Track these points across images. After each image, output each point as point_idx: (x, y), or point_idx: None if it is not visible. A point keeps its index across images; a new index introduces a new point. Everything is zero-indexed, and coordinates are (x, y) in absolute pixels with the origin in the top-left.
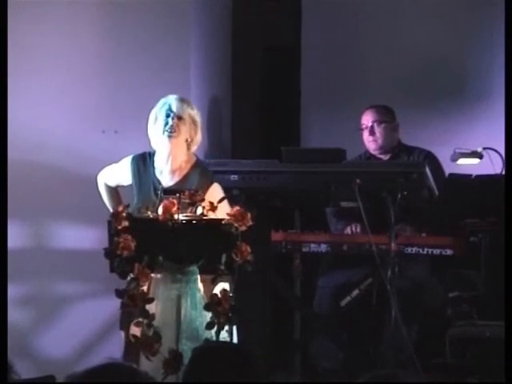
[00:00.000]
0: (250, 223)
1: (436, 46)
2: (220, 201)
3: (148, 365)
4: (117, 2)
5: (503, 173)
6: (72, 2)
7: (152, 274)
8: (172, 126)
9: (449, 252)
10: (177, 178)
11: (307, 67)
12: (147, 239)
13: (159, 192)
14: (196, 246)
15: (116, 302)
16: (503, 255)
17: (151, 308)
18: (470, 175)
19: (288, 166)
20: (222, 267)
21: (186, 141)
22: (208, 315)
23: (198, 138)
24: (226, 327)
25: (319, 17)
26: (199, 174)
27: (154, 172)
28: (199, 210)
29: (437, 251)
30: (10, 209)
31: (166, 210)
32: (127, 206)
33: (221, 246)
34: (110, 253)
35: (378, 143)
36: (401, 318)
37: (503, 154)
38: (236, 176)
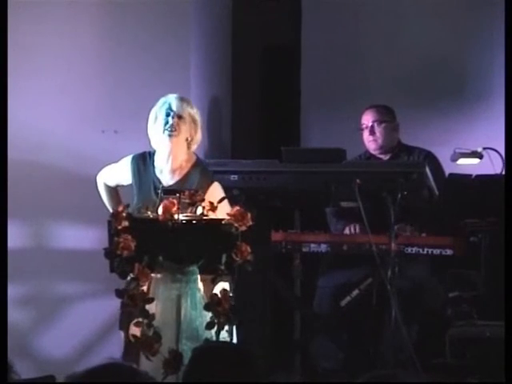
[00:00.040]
0: (250, 223)
1: (436, 46)
2: (220, 201)
3: (148, 365)
4: (117, 2)
5: (503, 173)
6: (72, 1)
7: (152, 274)
8: (172, 124)
9: (449, 252)
10: (177, 177)
11: (307, 67)
12: (147, 239)
13: (159, 191)
14: (196, 246)
15: (116, 302)
16: (503, 255)
17: (151, 308)
18: (470, 175)
19: (288, 165)
20: (222, 267)
21: (187, 140)
22: (208, 315)
23: (198, 137)
24: (226, 327)
25: (319, 17)
26: (199, 173)
27: (154, 171)
28: (199, 210)
29: (437, 251)
30: (10, 209)
31: (166, 209)
32: (127, 206)
33: (221, 246)
34: (110, 253)
35: (378, 143)
36: (401, 318)
37: (503, 153)
38: (236, 176)
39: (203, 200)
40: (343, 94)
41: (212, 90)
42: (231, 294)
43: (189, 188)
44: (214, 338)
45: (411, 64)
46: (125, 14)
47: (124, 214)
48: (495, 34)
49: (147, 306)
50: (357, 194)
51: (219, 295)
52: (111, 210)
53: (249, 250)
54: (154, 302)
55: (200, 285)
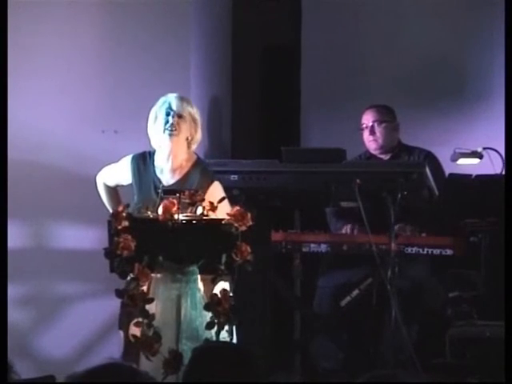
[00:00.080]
0: (250, 223)
1: (436, 46)
2: (220, 201)
3: (148, 365)
4: (117, 2)
5: (503, 173)
6: (72, 1)
7: (152, 274)
8: (172, 124)
9: (449, 252)
10: (177, 177)
11: (307, 67)
12: (147, 239)
13: (160, 191)
14: (196, 246)
15: (116, 302)
16: (503, 255)
17: (151, 308)
18: (470, 175)
19: (288, 165)
20: (222, 267)
21: (187, 139)
22: (208, 315)
23: (198, 136)
24: (226, 327)
25: (319, 17)
26: (200, 173)
27: (154, 171)
28: (199, 210)
29: (437, 251)
30: (10, 209)
31: (166, 209)
32: (127, 206)
33: (221, 245)
34: (110, 253)
35: (378, 143)
36: (401, 318)
37: (503, 154)
38: (236, 176)
39: (203, 200)
40: (343, 93)
41: (212, 89)
42: (231, 294)
43: (189, 187)
44: (214, 338)
45: (411, 64)
46: (125, 14)
47: (124, 214)
48: (495, 34)
49: (147, 306)
50: (357, 194)
51: (219, 295)
52: (111, 210)
53: (249, 250)
54: (154, 302)
55: (200, 285)
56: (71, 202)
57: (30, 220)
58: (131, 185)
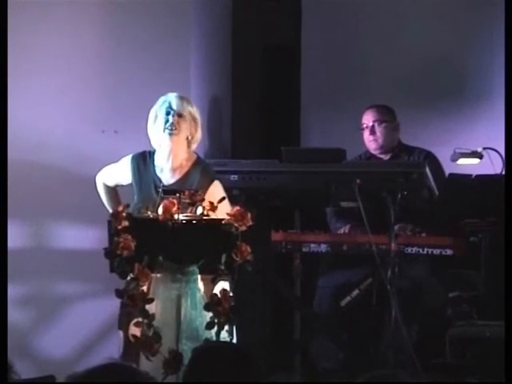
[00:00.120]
0: (250, 223)
1: (436, 46)
2: (220, 201)
3: (148, 365)
4: (117, 3)
5: (503, 173)
6: (72, 1)
7: (152, 274)
8: (172, 123)
9: (449, 252)
10: (178, 176)
11: (307, 67)
12: (147, 239)
13: (160, 190)
14: (196, 246)
15: (116, 302)
16: (503, 255)
17: (151, 308)
18: (470, 175)
19: (288, 165)
20: (222, 267)
21: (187, 138)
22: (208, 315)
23: (199, 135)
24: (226, 327)
25: (319, 17)
26: (200, 172)
27: (154, 170)
28: (199, 210)
29: (437, 251)
30: (10, 209)
31: (166, 209)
32: (127, 206)
33: (221, 245)
34: (110, 253)
35: (378, 143)
36: (401, 318)
37: (503, 154)
38: (236, 176)
39: (203, 200)
40: (343, 93)
41: (212, 89)
42: (231, 294)
43: (189, 187)
44: (214, 338)
45: (411, 64)
46: (125, 14)
47: (124, 214)
48: (495, 34)
49: (147, 306)
50: (357, 194)
51: (219, 295)
52: (110, 211)
53: (249, 250)
54: (154, 302)
55: (200, 285)
56: (71, 202)
57: (30, 220)
58: (131, 185)
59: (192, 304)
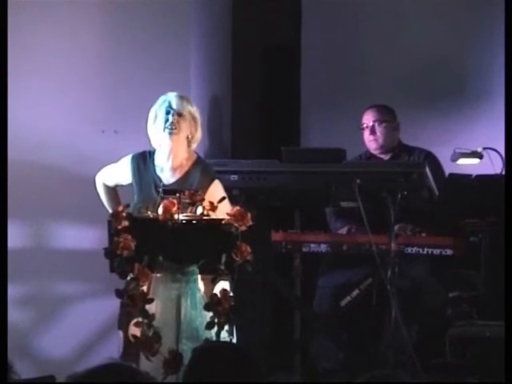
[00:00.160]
0: (250, 223)
1: (436, 46)
2: (220, 201)
3: (148, 365)
4: (117, 2)
5: (503, 173)
6: (72, 1)
7: (152, 274)
8: (172, 122)
9: (449, 252)
10: (178, 175)
11: (307, 67)
12: (147, 239)
13: (160, 189)
14: (196, 246)
15: (116, 302)
16: (503, 255)
17: (151, 308)
18: (470, 175)
19: (288, 165)
20: (222, 267)
21: (187, 138)
22: (208, 315)
23: (199, 134)
24: (226, 327)
25: (319, 17)
26: (200, 172)
27: (154, 170)
28: (199, 210)
29: (437, 251)
30: (10, 209)
31: (166, 209)
32: (127, 206)
33: (221, 245)
34: (110, 253)
35: (378, 142)
36: (401, 318)
37: (503, 153)
38: (236, 176)
39: (203, 200)
40: (343, 93)
41: (212, 89)
42: (231, 294)
43: (189, 186)
44: (214, 338)
45: (411, 64)
46: (125, 14)
47: (124, 214)
48: (495, 34)
49: (147, 306)
50: (357, 194)
51: (219, 295)
52: (110, 211)
53: (249, 250)
54: (154, 302)
55: (200, 285)
56: (71, 202)
57: (30, 220)
58: (131, 185)
59: (192, 304)
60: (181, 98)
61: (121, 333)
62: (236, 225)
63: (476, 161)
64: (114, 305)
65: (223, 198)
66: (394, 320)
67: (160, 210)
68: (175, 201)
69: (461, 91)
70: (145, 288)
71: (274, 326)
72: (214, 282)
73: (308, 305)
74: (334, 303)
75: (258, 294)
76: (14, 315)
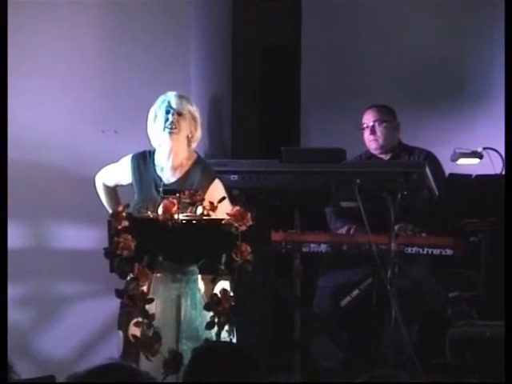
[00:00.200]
0: (250, 223)
1: (436, 45)
2: (220, 201)
3: (148, 365)
4: (117, 2)
5: (503, 173)
6: (72, 1)
7: (152, 274)
8: (172, 122)
9: (449, 252)
10: (178, 175)
11: (307, 67)
12: (147, 239)
13: (160, 189)
14: (196, 246)
15: (116, 302)
16: (503, 255)
17: (151, 308)
18: (470, 175)
19: (288, 165)
20: (222, 267)
21: (187, 137)
22: (208, 315)
23: (198, 134)
24: (226, 327)
25: (319, 17)
26: (201, 171)
27: (154, 169)
28: (199, 210)
29: (437, 251)
30: (10, 209)
31: (166, 209)
32: (127, 206)
33: (221, 245)
34: (110, 253)
35: (378, 142)
36: (401, 318)
37: (503, 153)
38: (236, 176)
39: (203, 200)
40: (343, 93)
41: (212, 89)
42: (231, 294)
43: (190, 186)
44: (214, 338)
45: (411, 64)
46: (125, 14)
47: (124, 214)
48: (495, 34)
49: (147, 306)
50: (357, 194)
51: (219, 295)
52: (110, 211)
53: (249, 249)
54: (154, 302)
55: (200, 285)
56: (71, 202)
57: (30, 220)
58: (131, 184)
59: (192, 304)
60: (180, 97)
61: (121, 333)
62: (236, 225)
63: (476, 161)
64: (114, 305)
65: (223, 198)
66: (394, 320)
67: (160, 210)
68: (175, 201)
69: (461, 91)
70: (145, 288)
71: (274, 326)
72: (214, 282)
73: (308, 305)
74: (334, 303)
75: (257, 294)
76: (13, 315)
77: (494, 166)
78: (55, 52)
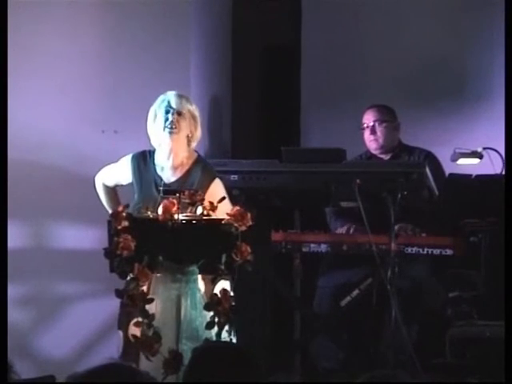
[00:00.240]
0: (250, 223)
1: (436, 46)
2: (220, 201)
3: (148, 365)
4: (117, 2)
5: (503, 173)
6: (72, 1)
7: (152, 274)
8: (172, 121)
9: (449, 252)
10: (178, 174)
11: (307, 67)
12: (147, 239)
13: (161, 188)
14: (196, 246)
15: (116, 302)
16: (503, 255)
17: (151, 308)
18: (470, 175)
19: (288, 165)
20: (222, 267)
21: (187, 136)
22: (208, 315)
23: (198, 133)
24: (226, 327)
25: (319, 17)
26: (201, 171)
27: (154, 169)
28: (199, 210)
29: (437, 251)
30: (10, 209)
31: (166, 209)
32: (127, 206)
33: (221, 245)
34: (110, 253)
35: (379, 142)
36: (401, 318)
37: (503, 153)
38: (236, 176)
39: (203, 200)
40: (343, 93)
41: (212, 89)
42: (231, 294)
43: (190, 185)
44: (214, 338)
45: (411, 64)
46: (125, 14)
47: (124, 214)
48: (495, 34)
49: (147, 306)
50: (357, 194)
51: (219, 295)
52: (110, 211)
53: (249, 250)
54: (154, 302)
55: (200, 285)
56: (71, 202)
57: (30, 220)
58: (131, 184)
59: (192, 304)
60: (180, 96)
61: (121, 333)
62: (236, 225)
63: (476, 161)
64: (114, 305)
65: (223, 198)
66: (394, 320)
67: (160, 210)
68: (175, 201)
69: (461, 91)
70: (145, 288)
71: (274, 326)
72: (214, 282)
73: (308, 305)
74: (334, 303)
75: (257, 293)
76: (13, 315)
77: (493, 166)
78: (55, 52)
